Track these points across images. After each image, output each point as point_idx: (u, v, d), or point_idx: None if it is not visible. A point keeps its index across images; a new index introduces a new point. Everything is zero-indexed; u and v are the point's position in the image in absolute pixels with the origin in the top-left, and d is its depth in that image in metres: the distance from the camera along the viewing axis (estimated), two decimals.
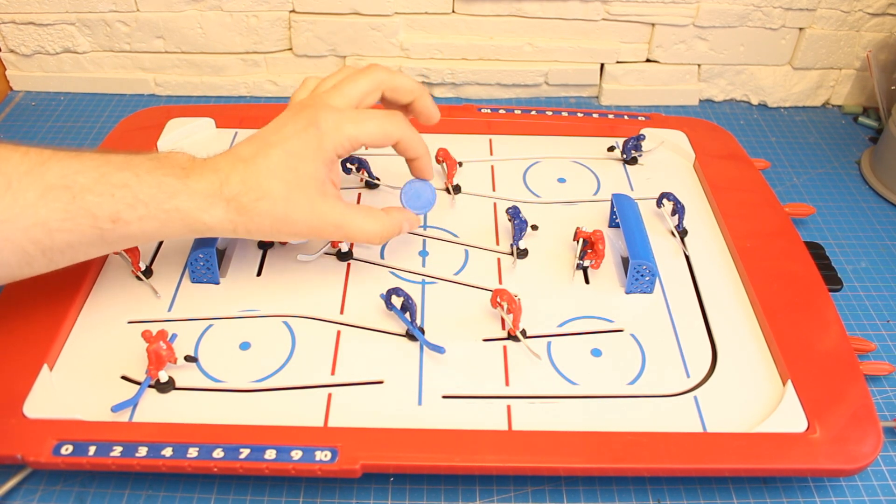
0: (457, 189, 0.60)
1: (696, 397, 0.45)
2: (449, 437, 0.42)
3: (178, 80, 0.77)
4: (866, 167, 0.70)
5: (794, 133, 0.76)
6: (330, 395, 0.44)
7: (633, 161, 0.64)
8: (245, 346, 0.47)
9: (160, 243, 0.54)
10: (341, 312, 0.50)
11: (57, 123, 0.72)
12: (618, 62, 0.76)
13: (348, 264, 0.53)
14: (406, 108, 0.52)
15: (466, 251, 0.55)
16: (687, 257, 0.55)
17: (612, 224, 0.57)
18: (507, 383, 0.46)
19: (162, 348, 0.43)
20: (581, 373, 0.46)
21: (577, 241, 0.53)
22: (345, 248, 0.53)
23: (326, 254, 0.54)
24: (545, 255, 0.54)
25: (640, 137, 0.63)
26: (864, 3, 0.73)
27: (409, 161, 0.51)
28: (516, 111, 0.67)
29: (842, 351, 0.47)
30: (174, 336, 0.47)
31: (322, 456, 0.40)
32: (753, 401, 0.45)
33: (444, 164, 0.60)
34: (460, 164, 0.62)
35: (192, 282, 0.51)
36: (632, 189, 0.61)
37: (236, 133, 0.65)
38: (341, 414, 0.43)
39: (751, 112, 0.79)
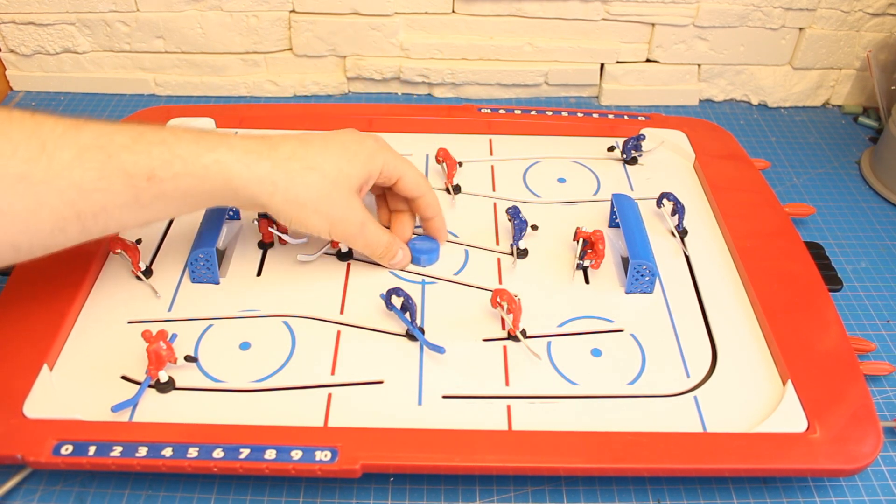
0: (457, 189, 0.60)
1: (696, 397, 0.45)
2: (449, 437, 0.42)
3: (178, 80, 0.77)
4: (866, 167, 0.70)
5: (794, 133, 0.76)
6: (330, 395, 0.44)
7: (633, 161, 0.64)
8: (245, 346, 0.47)
9: (160, 243, 0.54)
10: (341, 312, 0.50)
11: None
12: (618, 62, 0.76)
13: (348, 264, 0.53)
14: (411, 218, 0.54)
15: (466, 251, 0.55)
16: (687, 257, 0.55)
17: (612, 224, 0.57)
18: (507, 383, 0.46)
19: (162, 348, 0.43)
20: (581, 373, 0.46)
21: (577, 241, 0.53)
22: (345, 248, 0.53)
23: (326, 254, 0.54)
24: (545, 255, 0.54)
25: (640, 137, 0.63)
26: (864, 3, 0.73)
27: (425, 220, 0.53)
28: (516, 111, 0.67)
29: (842, 351, 0.47)
30: (174, 336, 0.47)
31: (322, 456, 0.40)
32: (753, 401, 0.45)
33: (444, 164, 0.60)
34: (460, 164, 0.62)
35: (192, 282, 0.51)
36: (632, 189, 0.61)
37: (236, 133, 0.65)
38: (341, 414, 0.43)
39: (751, 112, 0.79)
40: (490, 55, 0.76)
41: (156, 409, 0.43)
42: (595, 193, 0.61)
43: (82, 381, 0.45)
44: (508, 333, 0.48)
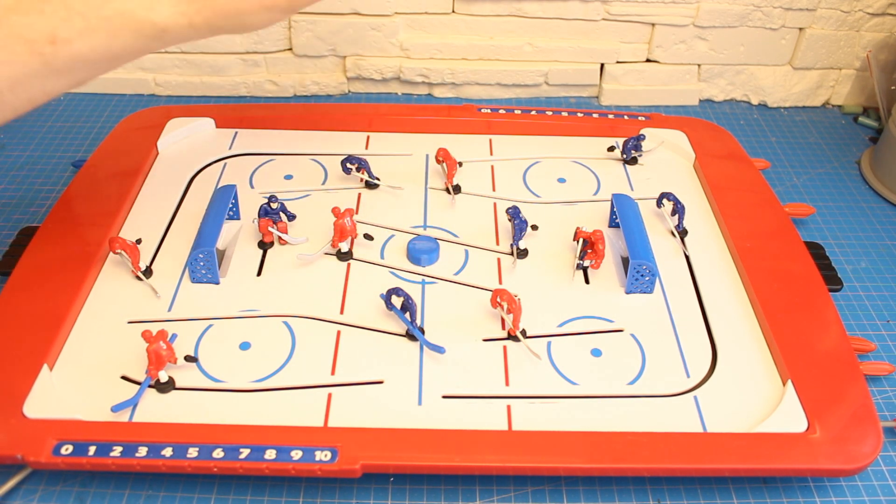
0: (457, 189, 0.60)
1: (696, 397, 0.45)
2: (449, 437, 0.42)
3: (178, 80, 0.77)
4: (866, 167, 0.70)
5: (794, 133, 0.76)
6: (330, 395, 0.44)
7: (633, 161, 0.64)
8: (245, 346, 0.47)
9: (160, 243, 0.54)
10: (341, 312, 0.50)
11: (57, 123, 0.72)
12: (618, 62, 0.76)
13: (348, 264, 0.53)
14: None
15: (466, 251, 0.55)
16: (687, 257, 0.55)
17: (612, 224, 0.57)
18: (507, 383, 0.46)
19: (162, 348, 0.43)
20: (581, 373, 0.46)
21: (577, 241, 0.53)
22: (345, 249, 0.53)
23: (326, 254, 0.54)
24: (545, 255, 0.54)
25: (640, 137, 0.63)
26: (864, 3, 0.73)
27: None
28: (516, 111, 0.67)
29: (842, 351, 0.47)
30: (174, 336, 0.47)
31: (322, 456, 0.40)
32: (753, 401, 0.45)
33: (444, 164, 0.60)
34: (460, 164, 0.62)
35: (192, 282, 0.51)
36: (632, 189, 0.61)
37: (236, 133, 0.65)
38: (341, 414, 0.43)
39: (751, 112, 0.79)
40: (490, 55, 0.76)
41: (156, 409, 0.43)
42: (595, 193, 0.61)
43: (82, 381, 0.45)
44: (508, 333, 0.48)
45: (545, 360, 0.47)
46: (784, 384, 0.46)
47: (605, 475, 0.44)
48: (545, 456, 0.41)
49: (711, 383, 0.46)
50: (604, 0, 0.72)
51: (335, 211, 0.52)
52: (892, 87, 0.73)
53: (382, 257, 0.54)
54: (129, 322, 0.48)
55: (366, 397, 0.44)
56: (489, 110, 0.67)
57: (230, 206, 0.54)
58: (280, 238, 0.54)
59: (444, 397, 0.45)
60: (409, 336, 0.48)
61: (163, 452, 0.40)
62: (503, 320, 0.49)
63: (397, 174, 0.61)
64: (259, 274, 0.52)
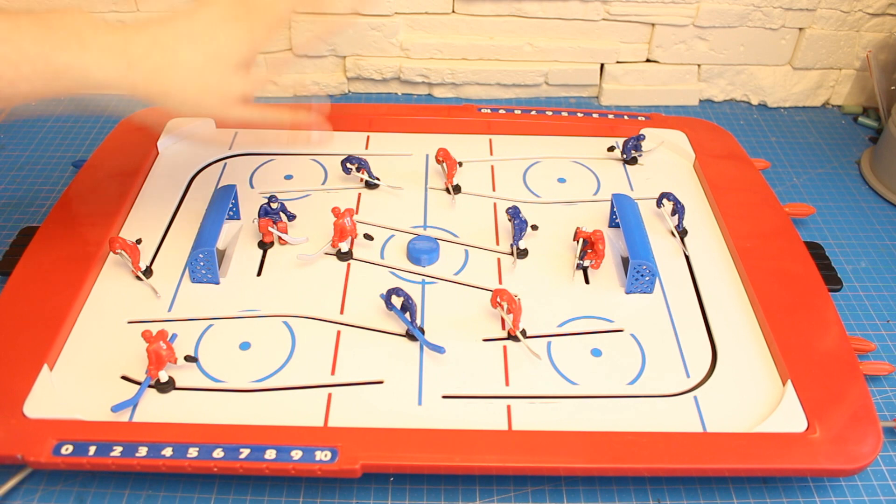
0: (457, 189, 0.60)
1: (695, 397, 0.45)
2: (449, 437, 0.42)
3: None
4: (866, 167, 0.70)
5: (794, 133, 0.76)
6: (330, 395, 0.44)
7: (633, 161, 0.64)
8: (245, 346, 0.47)
9: (160, 243, 0.54)
10: (341, 312, 0.50)
11: (57, 124, 0.72)
12: (618, 62, 0.76)
13: (348, 264, 0.53)
14: None
15: (466, 251, 0.55)
16: (687, 257, 0.55)
17: (612, 224, 0.57)
18: (507, 383, 0.46)
19: (162, 348, 0.43)
20: (581, 373, 0.46)
21: (577, 241, 0.53)
22: (345, 248, 0.53)
23: (326, 254, 0.54)
24: (545, 255, 0.54)
25: (640, 137, 0.63)
26: (864, 3, 0.73)
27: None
28: (516, 111, 0.67)
29: (842, 351, 0.47)
30: (174, 336, 0.47)
31: (322, 456, 0.40)
32: (753, 401, 0.45)
33: (444, 164, 0.60)
34: (460, 164, 0.62)
35: (192, 282, 0.51)
36: (632, 189, 0.61)
37: (236, 133, 0.65)
38: (341, 414, 0.43)
39: (751, 112, 0.79)
40: (490, 55, 0.76)
41: (156, 409, 0.43)
42: (595, 193, 0.61)
43: (82, 381, 0.45)
44: (508, 333, 0.48)
45: (545, 360, 0.47)
46: (784, 384, 0.46)
47: (605, 475, 0.44)
48: (545, 456, 0.41)
49: (711, 383, 0.46)
50: (604, 0, 0.72)
51: (335, 211, 0.52)
52: (892, 87, 0.73)
53: (382, 257, 0.54)
54: (129, 322, 0.48)
55: (366, 397, 0.44)
56: (489, 110, 0.67)
57: (230, 206, 0.54)
58: (280, 238, 0.54)
59: (444, 397, 0.45)
60: (409, 336, 0.48)
61: (163, 452, 0.40)
62: (503, 320, 0.49)
63: (397, 174, 0.61)
64: (259, 274, 0.52)
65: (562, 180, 0.62)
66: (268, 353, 0.47)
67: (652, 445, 0.42)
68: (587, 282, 0.53)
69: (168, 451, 0.40)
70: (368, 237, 0.55)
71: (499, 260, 0.54)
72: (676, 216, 0.56)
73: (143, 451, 0.40)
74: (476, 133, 0.66)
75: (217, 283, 0.51)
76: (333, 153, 0.62)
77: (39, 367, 0.44)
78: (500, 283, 0.52)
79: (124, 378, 0.45)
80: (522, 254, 0.54)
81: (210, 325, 0.48)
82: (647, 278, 0.51)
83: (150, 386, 0.44)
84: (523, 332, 0.48)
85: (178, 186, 0.59)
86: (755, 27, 0.74)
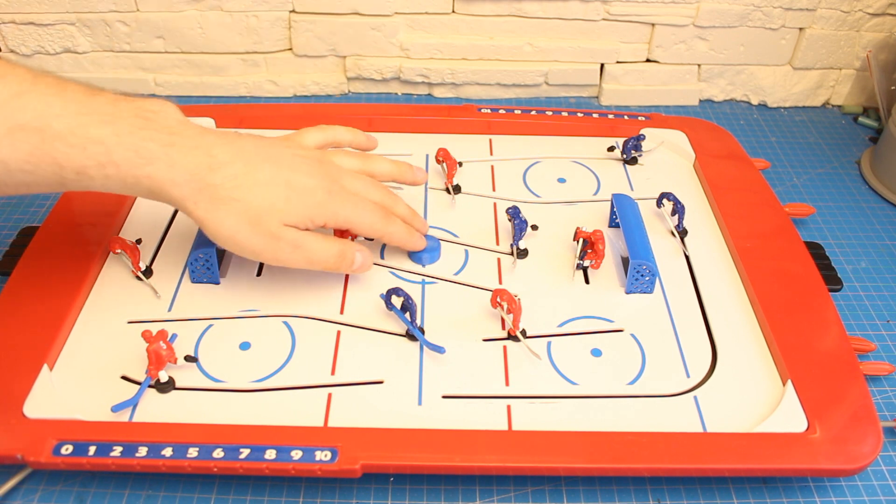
0: (457, 189, 0.60)
1: (696, 397, 0.45)
2: (449, 437, 0.42)
3: (178, 80, 0.77)
4: (866, 167, 0.70)
5: (794, 133, 0.76)
6: (330, 395, 0.44)
7: (633, 161, 0.64)
8: (245, 346, 0.47)
9: (160, 243, 0.54)
10: (341, 312, 0.50)
11: None
12: (618, 62, 0.76)
13: None
14: None
15: (466, 251, 0.55)
16: (687, 257, 0.55)
17: (612, 224, 0.57)
18: (507, 383, 0.46)
19: (162, 348, 0.43)
20: (581, 373, 0.46)
21: (577, 241, 0.53)
22: None
23: None
24: (545, 255, 0.54)
25: (640, 137, 0.63)
26: (864, 3, 0.73)
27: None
28: (516, 111, 0.67)
29: (842, 351, 0.47)
30: (174, 336, 0.47)
31: (322, 456, 0.40)
32: (753, 401, 0.45)
33: (444, 164, 0.60)
34: (460, 164, 0.62)
35: (192, 282, 0.51)
36: (632, 189, 0.61)
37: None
38: (341, 414, 0.43)
39: (751, 112, 0.79)
40: (490, 55, 0.76)
41: (156, 409, 0.43)
42: (595, 193, 0.61)
43: (82, 381, 0.45)
44: (508, 333, 0.48)
45: (545, 360, 0.47)
46: (784, 384, 0.46)
47: (605, 475, 0.44)
48: (545, 456, 0.41)
49: (711, 383, 0.46)
50: (604, 0, 0.72)
51: None
52: (892, 87, 0.73)
53: (382, 257, 0.54)
54: (129, 322, 0.48)
55: (366, 397, 0.44)
56: (489, 110, 0.67)
57: None
58: None
59: (444, 397, 0.45)
60: (409, 336, 0.48)
61: (163, 452, 0.40)
62: (503, 320, 0.49)
63: None
64: (259, 274, 0.52)
65: (562, 180, 0.62)
66: (268, 353, 0.47)
67: (652, 445, 0.42)
68: (587, 282, 0.53)
69: (168, 451, 0.40)
70: (369, 237, 0.55)
71: (499, 260, 0.54)
72: (676, 216, 0.56)
73: (143, 451, 0.40)
74: (476, 133, 0.66)
75: (217, 283, 0.51)
76: None
77: (39, 367, 0.44)
78: (500, 283, 0.52)
79: (124, 378, 0.45)
80: (522, 254, 0.54)
81: (210, 325, 0.48)
82: (647, 278, 0.51)
83: (150, 386, 0.44)
84: (523, 332, 0.48)
85: None
86: (755, 27, 0.74)
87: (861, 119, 0.78)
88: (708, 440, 0.43)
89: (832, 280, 0.54)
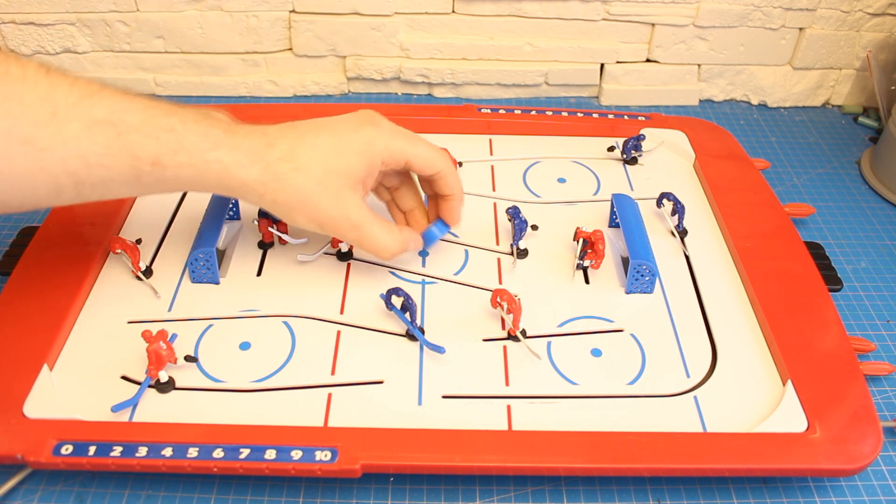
0: None
1: (696, 397, 0.45)
2: (449, 437, 0.42)
3: (178, 80, 0.77)
4: (866, 167, 0.70)
5: (794, 133, 0.76)
6: (330, 395, 0.44)
7: (633, 161, 0.64)
8: (245, 346, 0.47)
9: (160, 243, 0.54)
10: (341, 312, 0.50)
11: None
12: (618, 62, 0.76)
13: (348, 264, 0.53)
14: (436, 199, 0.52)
15: (466, 251, 0.55)
16: (687, 257, 0.55)
17: (612, 224, 0.57)
18: (507, 383, 0.46)
19: (162, 348, 0.43)
20: (581, 373, 0.46)
21: (577, 241, 0.53)
22: (345, 248, 0.53)
23: (326, 254, 0.54)
24: (545, 255, 0.54)
25: (640, 137, 0.63)
26: (864, 3, 0.73)
27: (441, 199, 0.50)
28: (516, 111, 0.67)
29: (842, 351, 0.47)
30: (174, 336, 0.47)
31: (322, 456, 0.40)
32: (753, 401, 0.45)
33: None
34: (460, 164, 0.62)
35: (192, 282, 0.51)
36: (632, 189, 0.61)
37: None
38: (341, 414, 0.43)
39: (751, 112, 0.79)
40: (490, 55, 0.76)
41: (156, 409, 0.43)
42: (595, 193, 0.61)
43: (82, 381, 0.45)
44: (508, 333, 0.48)
45: (545, 360, 0.47)
46: (784, 384, 0.46)
47: (605, 475, 0.44)
48: (545, 456, 0.41)
49: (711, 383, 0.46)
50: (604, 0, 0.72)
51: None
52: (892, 87, 0.73)
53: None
54: (129, 322, 0.48)
55: (366, 397, 0.44)
56: (489, 110, 0.67)
57: (230, 206, 0.54)
58: (280, 238, 0.54)
59: (444, 397, 0.45)
60: (409, 336, 0.48)
61: (163, 452, 0.40)
62: (503, 320, 0.49)
63: None
64: (259, 274, 0.52)
65: (562, 180, 0.62)
66: (268, 353, 0.47)
67: (652, 445, 0.42)
68: (587, 282, 0.53)
69: (168, 451, 0.40)
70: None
71: (499, 260, 0.54)
72: (676, 216, 0.56)
73: (143, 451, 0.40)
74: (476, 133, 0.66)
75: (217, 283, 0.51)
76: None
77: (39, 367, 0.44)
78: (500, 283, 0.52)
79: (124, 378, 0.45)
80: (522, 254, 0.54)
81: (210, 325, 0.48)
82: (647, 278, 0.51)
83: (150, 386, 0.44)
84: (523, 332, 0.48)
85: None
86: (755, 27, 0.74)
87: (861, 119, 0.78)
88: (708, 440, 0.43)
89: (832, 280, 0.54)
